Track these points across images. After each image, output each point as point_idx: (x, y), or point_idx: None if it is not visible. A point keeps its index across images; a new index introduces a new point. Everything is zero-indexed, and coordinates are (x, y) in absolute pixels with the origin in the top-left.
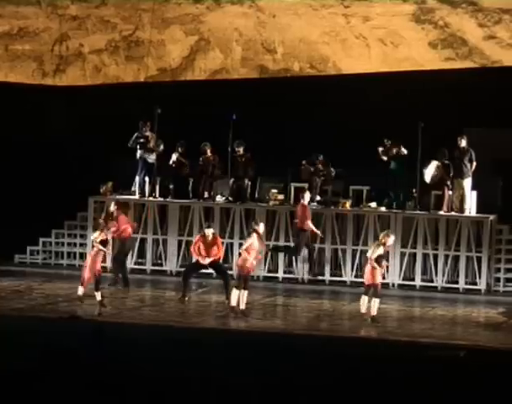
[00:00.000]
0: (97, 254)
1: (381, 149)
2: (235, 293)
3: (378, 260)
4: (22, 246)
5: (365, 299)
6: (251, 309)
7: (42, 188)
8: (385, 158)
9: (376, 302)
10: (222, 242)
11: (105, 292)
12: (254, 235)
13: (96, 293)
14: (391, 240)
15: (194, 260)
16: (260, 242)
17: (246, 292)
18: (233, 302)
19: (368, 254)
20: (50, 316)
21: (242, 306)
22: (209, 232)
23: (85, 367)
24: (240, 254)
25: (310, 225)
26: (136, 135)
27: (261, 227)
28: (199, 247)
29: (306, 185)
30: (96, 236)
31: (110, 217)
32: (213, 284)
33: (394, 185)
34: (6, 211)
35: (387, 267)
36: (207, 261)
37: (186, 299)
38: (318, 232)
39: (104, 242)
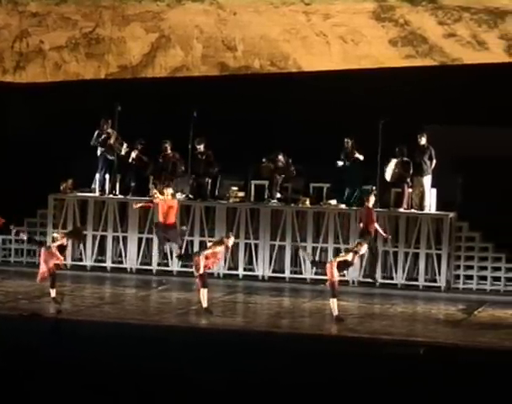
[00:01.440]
0: (52, 254)
1: (340, 163)
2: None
3: (341, 265)
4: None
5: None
6: (212, 306)
7: (1, 185)
8: (339, 163)
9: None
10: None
11: (66, 290)
12: (223, 247)
13: (51, 290)
14: (363, 249)
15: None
16: (222, 256)
17: (206, 290)
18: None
19: (333, 258)
20: (11, 313)
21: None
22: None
23: (45, 365)
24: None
25: (376, 226)
26: (97, 132)
27: (231, 241)
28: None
29: (266, 183)
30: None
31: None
32: (173, 282)
33: (350, 183)
34: None
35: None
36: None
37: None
38: (385, 234)
39: (60, 248)
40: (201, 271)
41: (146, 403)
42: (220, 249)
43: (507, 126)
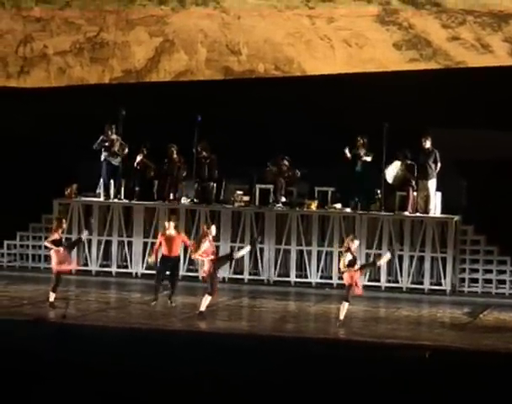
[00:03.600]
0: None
1: (347, 149)
2: (207, 298)
3: (351, 264)
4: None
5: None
6: (216, 311)
7: (6, 190)
8: (349, 155)
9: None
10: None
11: (71, 294)
12: (207, 239)
13: (50, 293)
14: (355, 244)
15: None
16: (211, 245)
17: (210, 298)
18: (203, 307)
19: (340, 266)
20: (16, 318)
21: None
22: (170, 227)
23: (49, 368)
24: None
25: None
26: (101, 138)
27: (213, 230)
28: (160, 244)
29: (271, 187)
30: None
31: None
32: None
33: (358, 187)
34: None
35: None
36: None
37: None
38: None
39: (56, 242)
40: (211, 270)
41: None
42: (205, 245)
43: (511, 129)
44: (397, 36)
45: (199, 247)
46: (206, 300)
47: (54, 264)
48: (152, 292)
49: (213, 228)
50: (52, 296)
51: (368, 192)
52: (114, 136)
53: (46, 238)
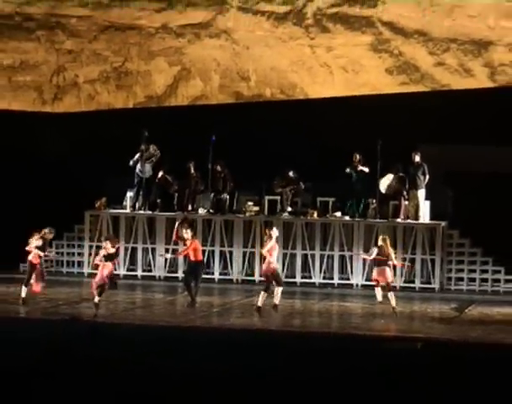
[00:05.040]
0: (103, 266)
1: (348, 170)
2: (263, 295)
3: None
4: (26, 256)
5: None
6: (231, 309)
7: (44, 203)
8: (348, 170)
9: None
10: (203, 251)
11: (102, 296)
12: (274, 238)
13: (96, 297)
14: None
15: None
16: (275, 244)
17: (281, 288)
18: (260, 303)
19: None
20: (53, 318)
21: (276, 301)
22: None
23: (83, 363)
24: (264, 258)
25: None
26: (137, 156)
27: (275, 231)
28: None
29: (278, 197)
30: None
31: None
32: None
33: (354, 196)
34: (12, 225)
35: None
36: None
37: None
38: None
39: (108, 257)
40: (275, 266)
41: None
42: (272, 243)
43: (491, 144)
44: (388, 62)
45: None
46: (278, 293)
47: (105, 275)
48: (174, 293)
49: (275, 229)
50: (97, 298)
51: (360, 198)
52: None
53: (80, 246)
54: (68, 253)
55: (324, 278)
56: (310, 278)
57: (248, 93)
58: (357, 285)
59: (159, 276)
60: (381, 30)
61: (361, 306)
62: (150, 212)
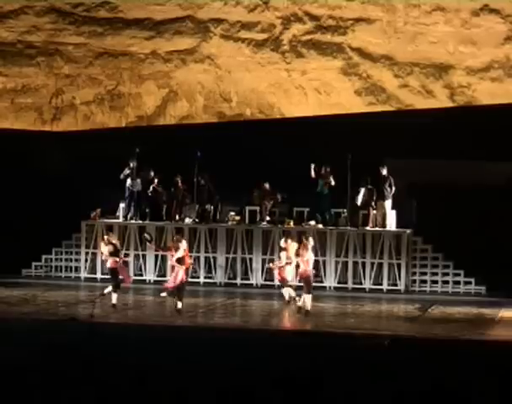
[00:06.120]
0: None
1: (313, 165)
2: (308, 297)
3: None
4: (27, 261)
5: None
6: (214, 309)
7: (44, 214)
8: (313, 175)
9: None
10: (190, 256)
11: (97, 298)
12: (309, 247)
13: (178, 301)
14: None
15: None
16: (311, 253)
17: (310, 295)
18: (308, 306)
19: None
20: (52, 318)
21: (308, 307)
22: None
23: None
24: (298, 265)
25: None
26: (126, 170)
27: (311, 241)
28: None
29: (257, 208)
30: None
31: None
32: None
33: (320, 206)
34: (14, 233)
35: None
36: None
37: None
38: None
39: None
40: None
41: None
42: (309, 252)
43: (451, 158)
44: (357, 85)
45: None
46: (309, 300)
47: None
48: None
49: (311, 239)
50: (179, 303)
51: (327, 208)
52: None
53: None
54: (66, 259)
55: (300, 281)
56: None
57: (230, 113)
58: (330, 288)
59: (149, 280)
60: (351, 55)
61: (333, 307)
62: (141, 221)
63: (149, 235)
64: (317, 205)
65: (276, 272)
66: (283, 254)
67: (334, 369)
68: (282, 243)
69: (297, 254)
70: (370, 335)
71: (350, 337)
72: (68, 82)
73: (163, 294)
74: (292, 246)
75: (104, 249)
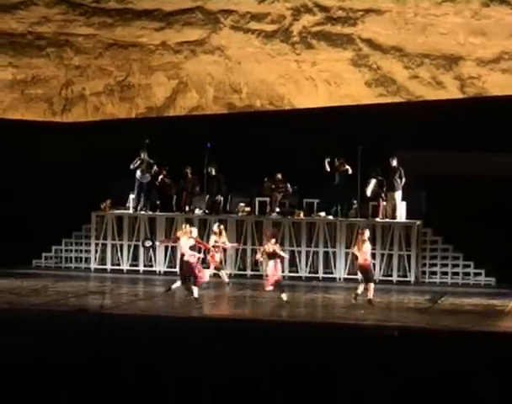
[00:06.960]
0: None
1: (327, 160)
2: (371, 286)
3: None
4: (38, 252)
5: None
6: (224, 301)
7: (55, 205)
8: (328, 169)
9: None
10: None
11: (107, 289)
12: (366, 238)
13: (282, 294)
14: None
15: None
16: (369, 245)
17: (372, 284)
18: (370, 295)
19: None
20: (62, 309)
21: (370, 296)
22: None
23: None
24: (356, 257)
25: None
26: (136, 160)
27: (367, 233)
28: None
29: (267, 199)
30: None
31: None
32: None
33: (337, 197)
34: (26, 224)
35: None
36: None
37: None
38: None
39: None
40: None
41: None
42: (367, 244)
43: (462, 150)
44: (367, 76)
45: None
46: (372, 289)
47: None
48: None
49: (366, 231)
50: (284, 296)
51: (344, 200)
52: (146, 158)
53: (87, 244)
54: (76, 250)
55: (310, 272)
56: (297, 272)
57: (240, 104)
58: (340, 279)
59: (159, 271)
60: (361, 47)
61: (344, 298)
62: (151, 213)
63: (148, 241)
64: (335, 198)
65: (209, 257)
66: (212, 238)
67: (343, 360)
68: (215, 228)
69: (356, 247)
70: (379, 326)
71: (359, 328)
72: (78, 73)
73: (268, 288)
74: (224, 233)
75: (186, 242)
